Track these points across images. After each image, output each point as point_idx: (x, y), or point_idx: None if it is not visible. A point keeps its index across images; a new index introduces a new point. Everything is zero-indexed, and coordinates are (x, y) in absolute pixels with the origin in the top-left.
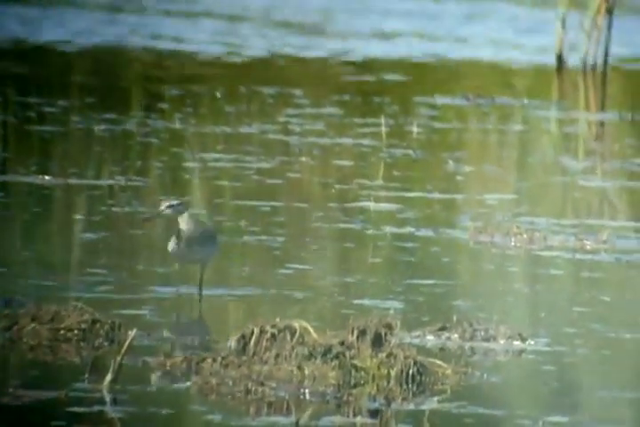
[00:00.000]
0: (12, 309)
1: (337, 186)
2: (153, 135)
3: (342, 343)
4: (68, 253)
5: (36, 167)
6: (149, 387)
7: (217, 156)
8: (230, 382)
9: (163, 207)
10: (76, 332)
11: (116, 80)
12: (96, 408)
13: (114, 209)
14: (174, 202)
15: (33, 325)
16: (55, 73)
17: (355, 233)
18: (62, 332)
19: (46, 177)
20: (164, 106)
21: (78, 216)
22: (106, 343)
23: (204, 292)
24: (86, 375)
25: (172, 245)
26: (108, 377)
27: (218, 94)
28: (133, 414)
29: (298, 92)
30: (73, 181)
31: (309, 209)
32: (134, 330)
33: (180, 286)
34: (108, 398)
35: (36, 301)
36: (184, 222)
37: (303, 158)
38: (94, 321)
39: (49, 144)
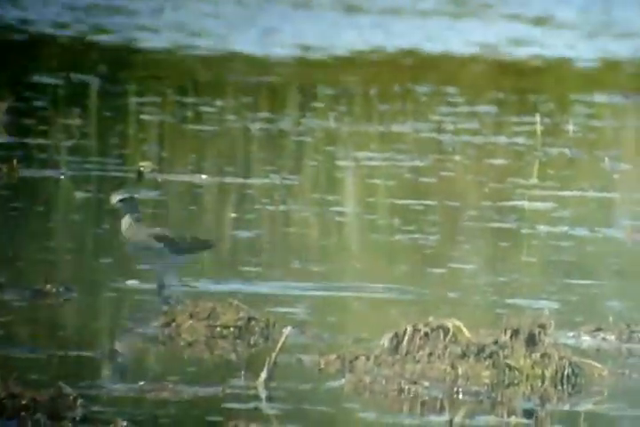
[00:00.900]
0: (171, 306)
1: (491, 184)
2: (307, 134)
3: (496, 343)
4: (222, 251)
5: (193, 166)
6: (304, 384)
7: (370, 154)
8: (383, 381)
9: (114, 200)
10: (232, 329)
11: (271, 79)
12: (251, 405)
13: (268, 207)
14: (125, 195)
15: (190, 322)
16: (211, 73)
17: (508, 232)
18: (219, 329)
19: (202, 176)
20: (319, 105)
21: (233, 214)
22: (261, 341)
23: (357, 292)
24: (242, 372)
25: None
26: (263, 374)
27: (371, 93)
28: (288, 411)
29: (452, 89)
30: (228, 179)
31: (462, 208)
32: (289, 328)
33: (332, 284)
34: (263, 394)
35: (193, 298)
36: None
37: (457, 157)
38: (250, 318)
39: (205, 143)
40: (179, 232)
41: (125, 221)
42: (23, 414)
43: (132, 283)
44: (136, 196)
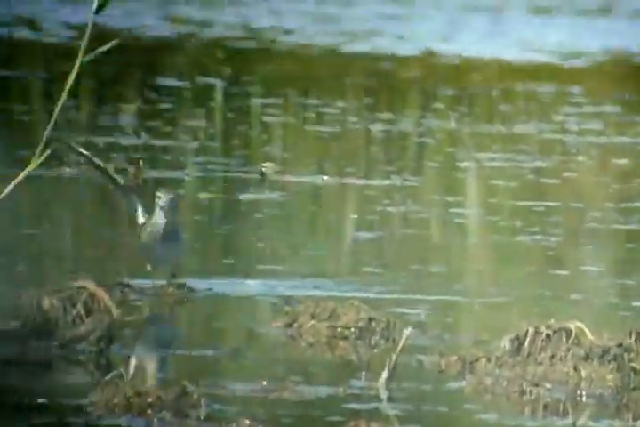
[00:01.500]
0: (292, 306)
1: (614, 185)
2: (428, 135)
3: (620, 345)
4: (342, 253)
5: (314, 167)
6: (424, 385)
7: (492, 155)
8: (505, 383)
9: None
10: (352, 330)
11: (392, 80)
12: (372, 405)
13: (389, 209)
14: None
15: (312, 322)
16: (332, 74)
17: (633, 233)
18: (340, 329)
19: (324, 177)
20: (439, 105)
21: (354, 215)
22: (382, 341)
23: (477, 293)
24: (363, 373)
25: None
26: (384, 375)
27: (493, 93)
28: (408, 412)
29: (576, 89)
30: (349, 180)
31: (586, 209)
32: (409, 328)
33: (451, 287)
34: (383, 395)
35: (314, 298)
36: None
37: (580, 158)
38: (370, 319)
39: (327, 144)
40: None
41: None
42: (149, 411)
43: (253, 283)
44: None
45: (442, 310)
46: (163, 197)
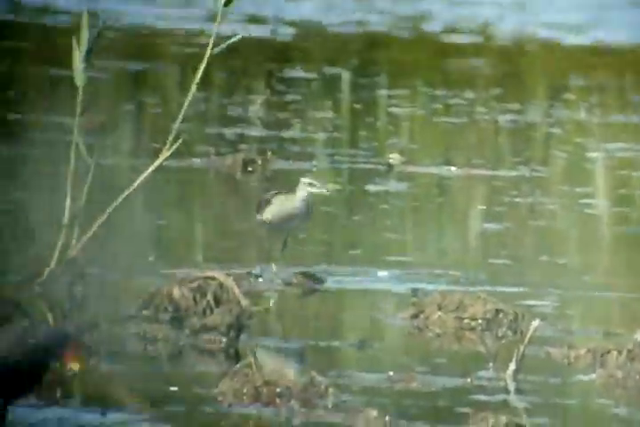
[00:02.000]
0: (419, 297)
1: None
2: (557, 125)
3: None
4: (471, 244)
5: (442, 158)
6: (553, 378)
7: (622, 145)
8: (637, 376)
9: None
10: (480, 321)
11: (521, 70)
12: (500, 397)
13: (517, 200)
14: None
15: (439, 313)
16: (463, 65)
17: None
18: (467, 321)
19: (451, 168)
20: (570, 96)
21: (482, 206)
22: (509, 333)
23: (606, 286)
24: (490, 364)
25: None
26: (512, 366)
27: (624, 83)
28: (537, 405)
29: None
30: (477, 171)
31: None
32: (537, 320)
33: (580, 279)
34: (511, 387)
35: (441, 290)
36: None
37: None
38: (498, 311)
39: (454, 135)
40: None
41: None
42: (278, 401)
43: (382, 275)
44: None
45: (571, 302)
46: (306, 182)
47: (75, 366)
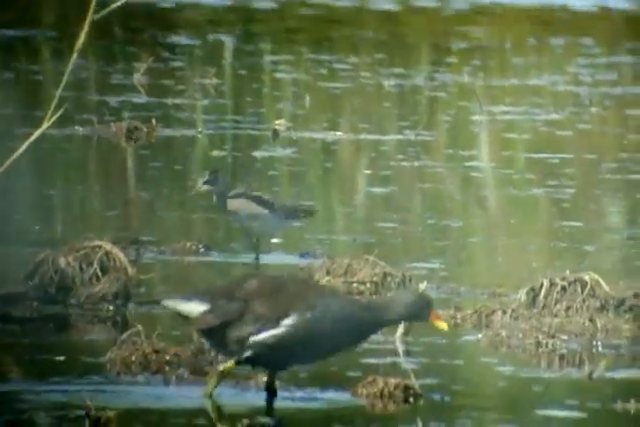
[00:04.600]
0: (308, 262)
1: (629, 136)
2: (441, 89)
3: (636, 296)
4: (357, 208)
5: (328, 123)
6: (440, 339)
7: (505, 108)
8: (520, 335)
9: (199, 185)
10: (368, 285)
11: (404, 35)
12: (389, 359)
13: (403, 164)
14: (207, 177)
15: (328, 278)
16: (345, 31)
17: None
18: (355, 285)
19: (337, 133)
20: (452, 60)
21: (368, 171)
22: None
23: (491, 246)
24: None
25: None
26: (400, 329)
27: (506, 46)
28: (425, 366)
29: (588, 41)
30: (362, 136)
31: (600, 160)
32: (424, 283)
33: (466, 239)
34: (400, 349)
35: (329, 254)
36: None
37: (593, 109)
38: (386, 274)
39: (340, 100)
40: (278, 199)
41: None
42: (167, 368)
43: (275, 241)
44: (219, 172)
45: (457, 264)
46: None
47: (442, 326)
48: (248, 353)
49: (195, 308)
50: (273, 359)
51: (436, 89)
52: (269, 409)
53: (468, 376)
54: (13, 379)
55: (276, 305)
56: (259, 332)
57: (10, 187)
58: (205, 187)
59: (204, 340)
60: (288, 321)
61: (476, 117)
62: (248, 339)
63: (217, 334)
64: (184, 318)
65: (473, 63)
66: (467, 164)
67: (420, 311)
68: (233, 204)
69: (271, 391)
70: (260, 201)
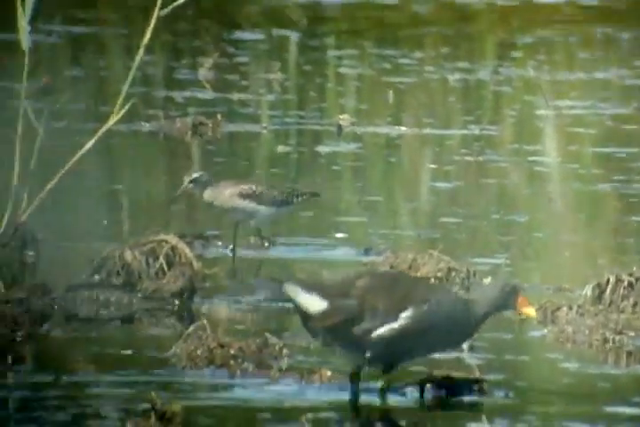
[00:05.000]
0: (371, 257)
1: None
2: (506, 84)
3: None
4: (421, 202)
5: (391, 118)
6: (506, 335)
7: (571, 103)
8: (587, 331)
9: (185, 184)
10: (432, 280)
11: (470, 29)
12: (453, 355)
13: (467, 158)
14: (196, 175)
15: None
16: (408, 25)
17: None
18: None
19: (401, 127)
20: (517, 54)
21: (432, 165)
22: (462, 291)
23: (558, 241)
24: None
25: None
26: None
27: (571, 40)
28: (490, 361)
29: None
30: (427, 130)
31: None
32: (489, 278)
33: (532, 234)
34: (464, 345)
35: (393, 249)
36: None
37: None
38: (450, 269)
39: (404, 95)
40: (269, 186)
41: (206, 193)
42: (232, 362)
43: (339, 235)
44: (208, 175)
45: (522, 259)
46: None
47: (531, 312)
48: (371, 351)
49: (314, 303)
50: (391, 355)
51: (501, 83)
52: (352, 405)
53: (533, 372)
54: (80, 372)
55: (393, 300)
56: (379, 326)
57: (77, 182)
58: (191, 186)
59: (321, 336)
60: (407, 314)
61: (541, 112)
62: (370, 335)
63: (338, 331)
64: (299, 311)
65: (538, 57)
66: (532, 158)
67: (508, 300)
68: (219, 198)
69: (356, 385)
70: (246, 194)
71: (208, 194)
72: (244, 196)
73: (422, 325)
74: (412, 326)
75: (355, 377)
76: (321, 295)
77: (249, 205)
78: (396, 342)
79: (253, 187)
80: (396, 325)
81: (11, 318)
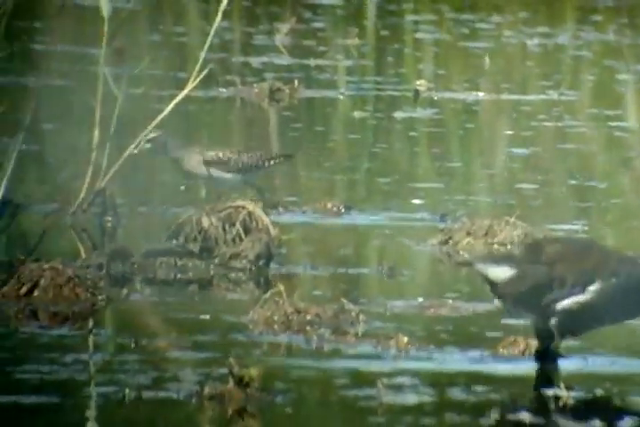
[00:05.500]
0: (447, 224)
1: None
2: (585, 48)
3: None
4: (498, 168)
5: (469, 84)
6: None
7: None
8: None
9: (140, 141)
10: (509, 246)
11: None
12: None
13: (545, 124)
14: (153, 135)
15: (468, 239)
16: None
17: None
18: (496, 246)
19: (479, 93)
20: (598, 18)
21: (509, 131)
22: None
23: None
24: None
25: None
26: None
27: None
28: None
29: None
30: (504, 96)
31: None
32: None
33: (610, 200)
34: None
35: (469, 215)
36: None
37: None
38: (527, 235)
39: (482, 60)
40: (238, 151)
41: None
42: (308, 328)
43: (416, 202)
44: (162, 133)
45: (600, 225)
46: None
47: None
48: (556, 319)
49: (502, 273)
50: (575, 324)
51: (581, 48)
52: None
53: (607, 338)
54: (159, 336)
55: (582, 270)
56: (565, 297)
57: (155, 148)
58: (148, 146)
59: (506, 304)
60: (594, 287)
61: (622, 76)
62: (554, 305)
63: (523, 299)
64: (489, 283)
65: (620, 21)
66: (611, 124)
67: None
68: (189, 164)
69: (547, 357)
70: (212, 161)
71: (181, 158)
72: (209, 163)
73: (610, 298)
74: (599, 300)
75: (541, 354)
76: (510, 265)
77: (215, 172)
78: (581, 313)
79: (220, 154)
80: (582, 298)
81: (91, 283)
